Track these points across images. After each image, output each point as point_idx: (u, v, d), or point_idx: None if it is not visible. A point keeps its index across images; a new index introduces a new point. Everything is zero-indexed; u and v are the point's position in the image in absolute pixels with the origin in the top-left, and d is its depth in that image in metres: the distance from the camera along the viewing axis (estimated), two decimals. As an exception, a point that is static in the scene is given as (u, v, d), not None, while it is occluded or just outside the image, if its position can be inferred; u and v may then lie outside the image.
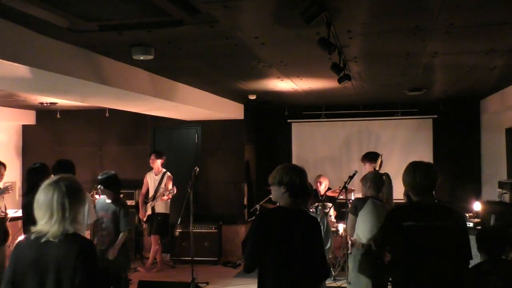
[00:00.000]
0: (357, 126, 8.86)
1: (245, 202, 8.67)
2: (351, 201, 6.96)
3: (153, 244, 7.51)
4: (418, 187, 3.08)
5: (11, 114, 8.67)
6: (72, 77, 4.19)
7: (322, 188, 7.73)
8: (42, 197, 2.43)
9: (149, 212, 7.48)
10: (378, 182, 4.24)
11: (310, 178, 7.82)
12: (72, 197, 2.43)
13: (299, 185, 2.96)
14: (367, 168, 6.70)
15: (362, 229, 4.16)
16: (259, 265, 2.94)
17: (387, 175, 4.27)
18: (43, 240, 2.39)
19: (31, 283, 2.38)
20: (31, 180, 5.15)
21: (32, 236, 2.42)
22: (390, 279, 4.71)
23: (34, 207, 2.47)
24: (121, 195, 5.36)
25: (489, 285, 3.14)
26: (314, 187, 7.62)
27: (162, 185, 7.45)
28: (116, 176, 5.08)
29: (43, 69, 3.82)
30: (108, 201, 5.01)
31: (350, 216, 4.32)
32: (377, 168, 6.33)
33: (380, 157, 6.72)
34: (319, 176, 7.83)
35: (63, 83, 4.50)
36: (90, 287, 2.37)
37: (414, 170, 3.11)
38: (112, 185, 5.01)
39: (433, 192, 3.11)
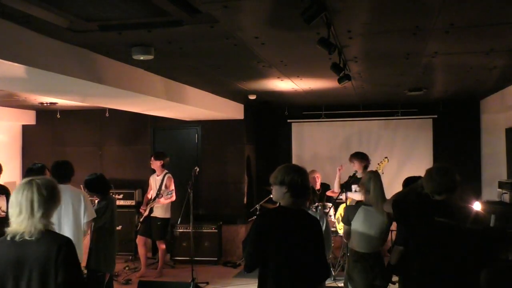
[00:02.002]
0: (357, 126, 8.86)
1: (245, 202, 8.67)
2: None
3: (160, 249, 7.46)
4: (437, 187, 3.13)
5: (11, 114, 8.67)
6: (72, 77, 4.18)
7: (318, 183, 7.73)
8: (14, 196, 2.47)
9: (146, 213, 7.41)
10: (368, 186, 4.17)
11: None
12: (41, 195, 2.45)
13: (301, 185, 2.96)
14: (356, 166, 6.75)
15: (355, 237, 4.14)
16: (260, 265, 2.94)
17: (374, 174, 4.19)
18: (18, 239, 2.40)
19: (12, 284, 2.38)
20: None
21: (8, 237, 2.44)
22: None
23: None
24: (112, 194, 5.37)
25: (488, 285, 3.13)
26: (311, 184, 7.64)
27: (163, 186, 7.43)
28: (99, 179, 5.10)
29: (43, 69, 3.82)
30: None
31: (344, 226, 4.30)
32: (380, 170, 6.31)
33: (384, 159, 6.73)
34: (314, 171, 7.75)
35: (63, 83, 4.50)
36: (73, 285, 2.39)
37: (431, 172, 3.21)
38: (96, 188, 5.04)
39: (455, 193, 3.15)
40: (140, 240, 7.42)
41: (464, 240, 2.98)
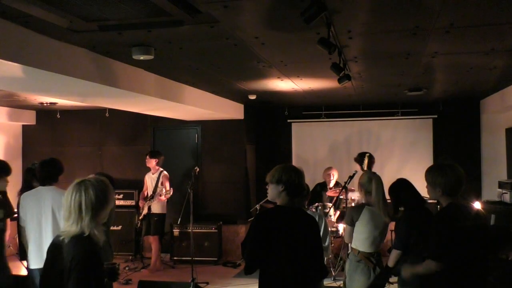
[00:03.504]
0: (357, 126, 8.86)
1: (245, 202, 8.67)
2: (348, 203, 6.96)
3: (153, 245, 7.49)
4: (453, 186, 3.00)
5: (11, 114, 8.67)
6: (72, 77, 4.19)
7: (333, 181, 7.66)
8: (65, 198, 2.47)
9: (145, 211, 7.50)
10: (368, 187, 4.14)
11: (312, 176, 7.86)
12: (90, 197, 2.43)
13: (297, 184, 2.98)
14: (358, 166, 6.78)
15: (360, 238, 4.14)
16: (260, 265, 2.94)
17: (374, 176, 4.16)
18: (61, 240, 2.42)
19: (53, 284, 2.40)
20: (27, 180, 5.17)
21: (61, 237, 2.45)
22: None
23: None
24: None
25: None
26: (324, 180, 7.64)
27: (159, 184, 7.48)
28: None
29: (43, 69, 3.82)
30: None
31: (347, 226, 4.28)
32: (365, 168, 6.29)
33: (366, 156, 6.66)
34: (330, 168, 7.74)
35: (63, 83, 4.50)
36: None
37: (446, 170, 3.03)
38: None
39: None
40: (149, 239, 7.56)
41: (481, 240, 2.98)
